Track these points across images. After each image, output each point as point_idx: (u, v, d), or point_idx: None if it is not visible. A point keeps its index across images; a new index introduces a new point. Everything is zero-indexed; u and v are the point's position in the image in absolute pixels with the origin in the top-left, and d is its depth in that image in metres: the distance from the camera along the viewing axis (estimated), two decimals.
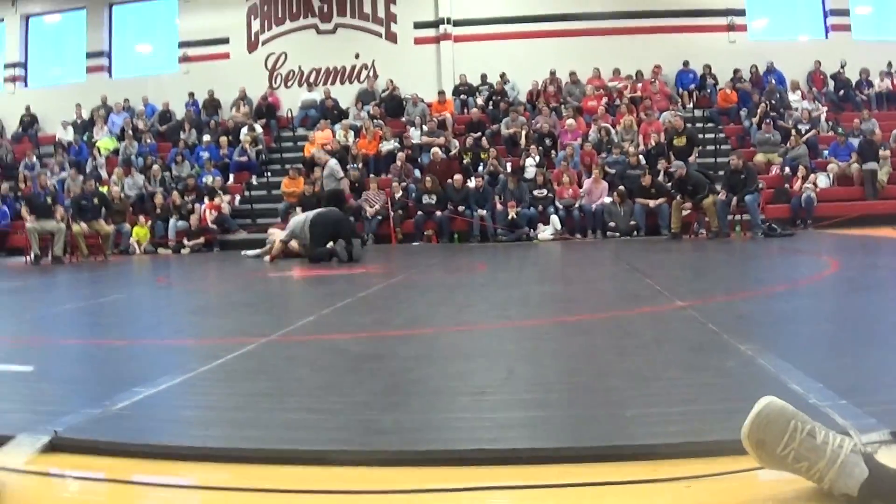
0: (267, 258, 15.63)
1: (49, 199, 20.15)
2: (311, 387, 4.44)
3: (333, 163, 20.02)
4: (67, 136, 27.29)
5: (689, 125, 23.10)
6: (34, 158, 25.83)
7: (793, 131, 22.65)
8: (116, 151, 26.04)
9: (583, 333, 6.04)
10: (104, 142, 26.59)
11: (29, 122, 28.89)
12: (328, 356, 5.41)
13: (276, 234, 16.21)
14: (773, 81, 25.64)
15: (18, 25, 30.23)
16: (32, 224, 19.12)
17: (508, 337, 6.09)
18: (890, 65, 26.28)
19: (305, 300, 10.00)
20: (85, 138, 27.01)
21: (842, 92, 25.89)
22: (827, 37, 27.60)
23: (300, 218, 15.46)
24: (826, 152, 22.59)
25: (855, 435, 2.79)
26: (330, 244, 14.62)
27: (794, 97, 25.36)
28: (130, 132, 26.34)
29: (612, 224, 20.21)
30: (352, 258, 14.36)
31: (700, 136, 23.43)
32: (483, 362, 4.98)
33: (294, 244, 15.52)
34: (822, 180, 21.47)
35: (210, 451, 3.15)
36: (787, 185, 21.18)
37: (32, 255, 18.84)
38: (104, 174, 24.51)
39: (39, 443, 3.19)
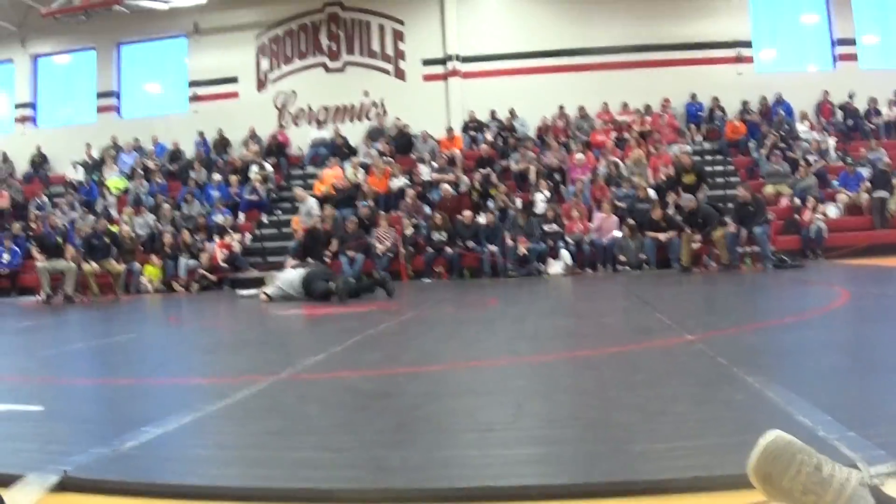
0: (262, 296, 15.61)
1: (59, 239, 20.34)
2: (322, 425, 4.43)
3: (312, 202, 20.20)
4: (77, 175, 27.51)
5: (697, 159, 23.18)
6: (45, 198, 26.01)
7: (801, 162, 22.70)
8: (126, 191, 26.19)
9: (592, 368, 6.04)
10: (114, 181, 26.77)
11: (39, 162, 29.15)
12: (338, 394, 5.42)
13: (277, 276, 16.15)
14: (782, 112, 25.72)
15: (28, 66, 30.59)
16: (43, 263, 19.28)
17: (518, 373, 6.06)
18: None
19: (316, 338, 9.97)
20: (95, 178, 27.17)
21: (850, 121, 25.94)
22: (835, 67, 27.75)
23: (288, 276, 15.42)
24: (835, 182, 22.62)
25: (863, 467, 2.78)
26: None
27: (802, 128, 25.45)
28: (140, 171, 26.46)
29: (622, 258, 20.20)
30: (390, 294, 14.40)
31: (709, 168, 23.50)
32: (492, 398, 4.97)
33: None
34: (832, 211, 21.49)
35: (220, 490, 3.15)
36: (796, 216, 21.17)
37: (44, 295, 19.06)
38: (114, 213, 24.60)
39: (49, 482, 3.20)
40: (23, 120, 30.65)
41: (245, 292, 17.28)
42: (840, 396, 4.41)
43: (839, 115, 26.45)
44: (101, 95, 30.35)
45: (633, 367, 5.87)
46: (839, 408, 3.85)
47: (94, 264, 19.89)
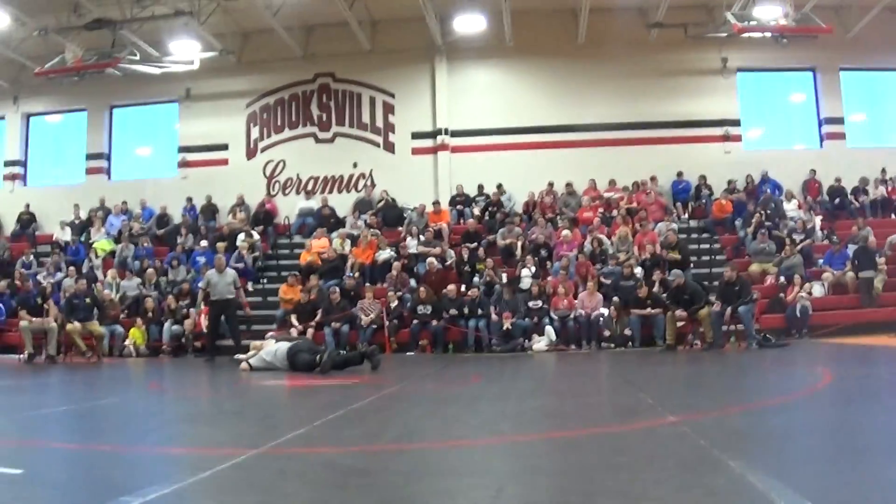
0: (243, 365, 15.47)
1: (40, 299, 20.34)
2: (300, 502, 4.41)
3: (231, 273, 20.32)
4: (65, 236, 27.60)
5: (683, 237, 23.27)
6: (31, 257, 26.03)
7: (787, 241, 22.74)
8: (113, 253, 26.16)
9: (574, 450, 6.01)
10: (101, 243, 26.79)
11: (27, 220, 29.17)
12: (317, 470, 5.39)
13: (266, 344, 15.99)
14: (768, 191, 25.81)
15: (19, 123, 30.83)
16: (26, 323, 19.26)
17: (499, 453, 6.04)
18: (884, 171, 26.59)
19: (297, 411, 9.91)
20: (82, 239, 27.20)
21: (837, 200, 26.02)
22: (822, 145, 28.07)
23: (272, 349, 15.31)
24: (821, 261, 22.69)
25: None
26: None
27: (789, 206, 25.48)
28: (127, 234, 26.45)
29: (607, 335, 20.15)
30: (375, 368, 14.25)
31: (695, 246, 23.57)
32: (472, 480, 4.92)
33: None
34: (818, 289, 21.52)
35: None
36: (781, 295, 21.21)
37: (26, 354, 19.00)
38: (100, 275, 24.64)
39: None
40: (12, 177, 30.75)
41: (243, 357, 16.96)
42: (821, 482, 4.42)
43: (825, 193, 26.55)
44: (90, 157, 30.48)
45: (614, 449, 5.85)
46: (820, 495, 3.85)
47: (77, 324, 19.80)
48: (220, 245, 24.82)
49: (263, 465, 5.47)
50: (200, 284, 21.21)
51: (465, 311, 21.06)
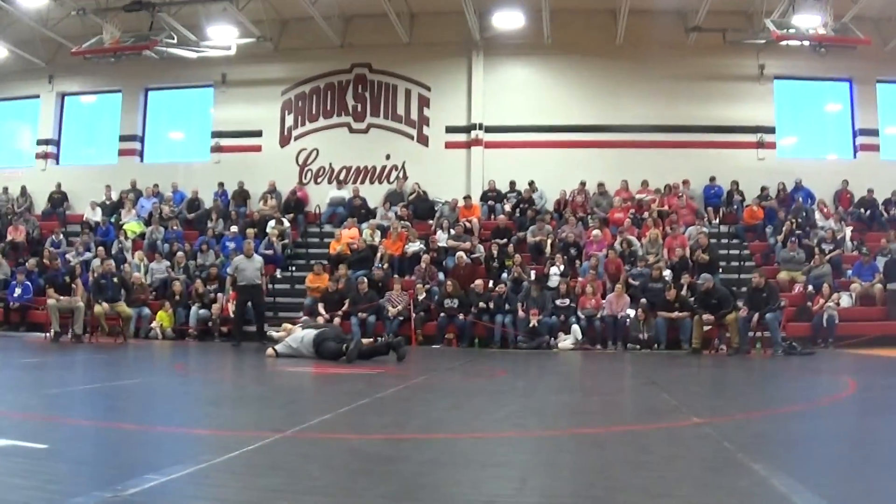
0: (269, 350, 15.51)
1: (67, 278, 20.44)
2: (324, 486, 4.44)
3: (259, 258, 20.39)
4: (95, 216, 27.70)
5: (713, 242, 23.15)
6: (61, 236, 26.13)
7: (817, 250, 22.63)
8: (143, 235, 26.26)
9: (598, 446, 6.03)
10: (131, 225, 26.86)
11: (59, 199, 29.33)
12: (342, 456, 5.43)
13: (291, 330, 16.01)
14: (800, 200, 25.67)
15: (54, 102, 30.94)
16: (53, 301, 19.35)
17: (523, 446, 6.05)
18: None
19: (323, 397, 9.95)
20: (112, 220, 27.27)
21: (868, 212, 25.86)
22: (855, 156, 27.89)
23: (298, 335, 15.34)
24: (850, 272, 22.57)
25: None
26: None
27: (819, 216, 25.34)
28: (158, 217, 26.58)
29: (633, 336, 20.11)
30: (401, 359, 14.25)
31: (724, 252, 23.48)
32: (496, 471, 4.97)
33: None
34: (845, 300, 21.40)
35: None
36: (809, 304, 21.10)
37: (52, 332, 19.10)
38: (129, 257, 24.69)
39: None
40: (45, 156, 30.89)
41: (275, 334, 16.92)
42: (843, 488, 4.41)
43: (856, 204, 26.38)
44: (123, 138, 30.58)
45: (638, 448, 5.87)
46: (842, 499, 3.84)
47: (105, 304, 19.88)
48: (250, 231, 24.79)
49: (288, 449, 5.52)
50: (228, 270, 21.24)
51: (492, 306, 21.04)
